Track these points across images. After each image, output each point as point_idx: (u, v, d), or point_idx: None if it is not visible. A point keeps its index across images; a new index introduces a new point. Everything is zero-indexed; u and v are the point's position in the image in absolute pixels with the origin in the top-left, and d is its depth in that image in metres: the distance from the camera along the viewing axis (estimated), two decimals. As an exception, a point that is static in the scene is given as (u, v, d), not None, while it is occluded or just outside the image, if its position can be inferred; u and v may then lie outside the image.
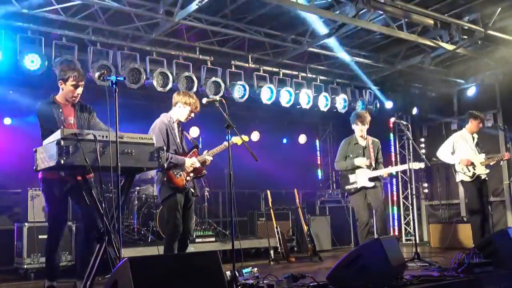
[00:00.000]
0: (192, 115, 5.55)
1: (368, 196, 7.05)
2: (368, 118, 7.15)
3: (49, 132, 4.33)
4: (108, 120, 3.99)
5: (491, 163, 7.80)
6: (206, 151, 5.69)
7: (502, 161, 7.85)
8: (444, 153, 7.86)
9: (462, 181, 7.81)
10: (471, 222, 7.97)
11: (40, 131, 4.67)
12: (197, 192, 5.60)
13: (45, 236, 6.36)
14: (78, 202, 4.74)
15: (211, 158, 5.64)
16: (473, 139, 7.89)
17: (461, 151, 7.77)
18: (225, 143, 5.60)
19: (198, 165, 5.47)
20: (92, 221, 4.58)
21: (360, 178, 7.00)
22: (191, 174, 5.44)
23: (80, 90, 4.76)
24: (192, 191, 5.47)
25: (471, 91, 10.44)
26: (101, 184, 4.01)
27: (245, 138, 5.75)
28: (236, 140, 5.73)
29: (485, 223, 7.64)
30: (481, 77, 10.16)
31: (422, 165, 6.88)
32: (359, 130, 7.11)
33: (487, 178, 7.80)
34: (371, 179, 6.94)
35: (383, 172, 6.99)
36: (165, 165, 4.44)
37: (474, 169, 7.67)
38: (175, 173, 5.31)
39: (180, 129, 5.58)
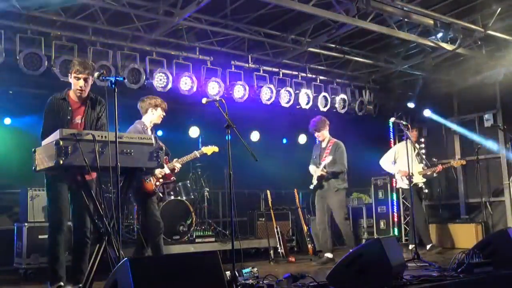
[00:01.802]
0: (164, 113, 5.84)
1: (327, 200, 7.45)
2: (316, 123, 7.58)
3: (48, 130, 4.33)
4: (107, 120, 3.99)
5: (428, 173, 8.42)
6: (176, 159, 5.99)
7: (435, 173, 8.33)
8: (385, 162, 8.19)
9: (401, 188, 8.58)
10: (417, 225, 8.25)
11: (42, 126, 4.63)
12: (165, 197, 5.87)
13: (45, 236, 6.42)
14: (74, 202, 4.69)
15: (180, 166, 5.99)
16: (415, 149, 8.31)
17: (401, 160, 8.21)
18: (196, 152, 6.20)
19: (167, 171, 5.75)
20: (82, 223, 4.62)
21: (314, 178, 7.51)
22: (161, 180, 5.71)
23: (82, 82, 4.64)
24: (161, 195, 5.78)
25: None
26: (100, 184, 4.01)
27: (215, 149, 6.24)
28: (206, 150, 6.18)
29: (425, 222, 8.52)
30: (481, 77, 10.15)
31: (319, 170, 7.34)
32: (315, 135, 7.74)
33: (423, 186, 8.54)
34: (318, 178, 7.42)
35: (318, 172, 7.40)
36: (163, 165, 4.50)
37: (412, 178, 7.94)
38: (145, 178, 5.52)
39: (154, 136, 5.71)
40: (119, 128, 4.05)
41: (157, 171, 5.50)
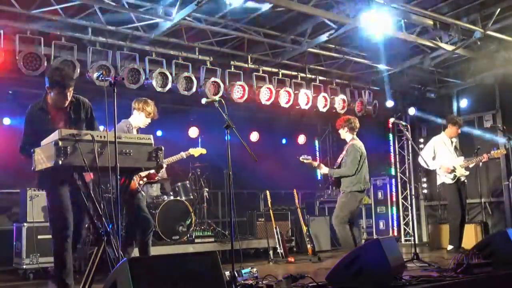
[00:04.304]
0: (149, 121, 5.74)
1: None
2: (336, 122, 7.36)
3: (28, 141, 4.28)
4: (106, 120, 3.98)
5: (471, 165, 8.02)
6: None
7: (481, 163, 8.03)
8: (425, 158, 7.96)
9: (443, 183, 8.04)
10: (449, 223, 8.21)
11: (22, 138, 4.46)
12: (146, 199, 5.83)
13: (45, 236, 6.43)
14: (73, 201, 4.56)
15: (165, 166, 5.91)
16: (452, 143, 8.09)
17: (441, 155, 7.96)
18: (182, 153, 6.17)
19: (151, 171, 5.64)
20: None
21: None
22: (144, 179, 5.67)
23: (68, 96, 4.40)
24: (143, 194, 5.68)
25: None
26: (100, 184, 4.00)
27: (203, 151, 6.20)
28: (194, 151, 6.11)
29: (463, 224, 7.95)
30: (481, 77, 10.16)
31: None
32: None
33: (466, 181, 8.09)
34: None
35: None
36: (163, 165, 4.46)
37: (455, 172, 7.91)
38: None
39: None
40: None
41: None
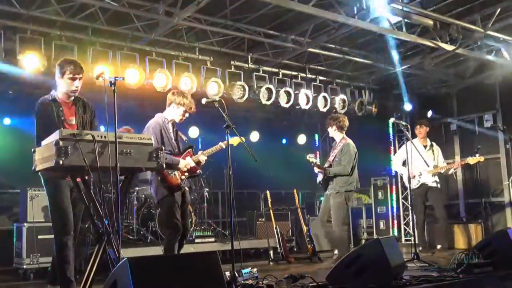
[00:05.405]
0: (187, 115, 5.60)
1: (329, 200, 7.23)
2: (328, 121, 7.36)
3: (44, 135, 4.29)
4: (106, 120, 3.98)
5: (441, 171, 8.24)
6: (201, 151, 5.76)
7: (453, 170, 8.15)
8: (395, 163, 8.06)
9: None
10: (416, 224, 8.65)
11: (35, 131, 4.53)
12: (188, 198, 5.66)
13: (45, 236, 6.44)
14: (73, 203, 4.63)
15: (206, 158, 5.73)
16: (426, 147, 8.27)
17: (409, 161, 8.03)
18: (221, 143, 5.75)
19: (192, 164, 5.57)
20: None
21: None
22: (186, 174, 5.52)
23: (78, 83, 4.58)
24: (186, 189, 5.53)
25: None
26: (100, 184, 4.00)
27: (242, 139, 5.79)
28: (233, 141, 5.81)
29: (424, 225, 8.42)
30: (481, 77, 10.16)
31: None
32: None
33: (436, 185, 8.33)
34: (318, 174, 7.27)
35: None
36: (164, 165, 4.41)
37: (420, 178, 8.08)
38: (169, 172, 5.35)
39: (175, 129, 5.63)
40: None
41: (182, 165, 5.39)
